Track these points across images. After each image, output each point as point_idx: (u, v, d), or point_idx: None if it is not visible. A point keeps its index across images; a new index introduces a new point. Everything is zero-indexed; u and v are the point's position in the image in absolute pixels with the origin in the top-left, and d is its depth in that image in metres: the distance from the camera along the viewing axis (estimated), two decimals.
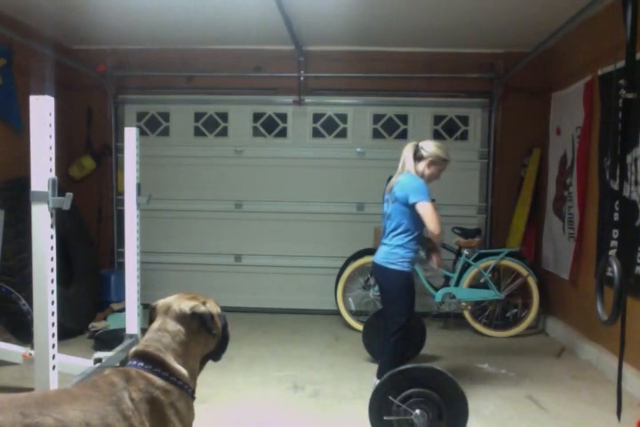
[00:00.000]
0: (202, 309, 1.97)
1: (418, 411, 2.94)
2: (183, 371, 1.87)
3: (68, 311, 4.81)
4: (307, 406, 3.61)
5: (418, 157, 3.65)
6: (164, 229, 6.12)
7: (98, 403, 1.64)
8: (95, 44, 6.00)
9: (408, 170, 3.63)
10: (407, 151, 3.67)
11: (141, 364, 1.82)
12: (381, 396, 3.01)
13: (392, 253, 3.54)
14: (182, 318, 1.95)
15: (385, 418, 2.98)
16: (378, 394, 3.02)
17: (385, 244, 3.63)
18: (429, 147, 3.63)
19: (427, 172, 3.65)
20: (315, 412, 3.52)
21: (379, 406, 3.01)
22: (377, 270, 3.68)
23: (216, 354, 2.09)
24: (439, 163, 3.65)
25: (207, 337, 1.99)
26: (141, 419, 1.69)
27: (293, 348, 4.85)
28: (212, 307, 2.04)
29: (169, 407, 1.77)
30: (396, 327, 3.53)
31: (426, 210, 3.45)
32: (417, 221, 3.52)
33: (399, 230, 3.56)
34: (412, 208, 3.49)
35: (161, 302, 2.03)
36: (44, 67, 5.28)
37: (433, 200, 3.60)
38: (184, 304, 1.98)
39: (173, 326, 1.93)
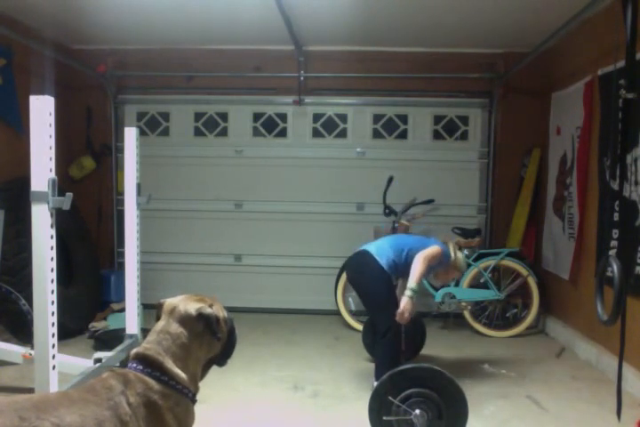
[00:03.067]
0: (208, 311, 1.94)
1: (417, 411, 2.94)
2: (182, 375, 1.84)
3: (68, 311, 4.81)
4: (307, 406, 3.61)
5: (455, 252, 3.89)
6: (164, 229, 6.12)
7: (95, 408, 1.62)
8: (95, 44, 6.00)
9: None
10: (450, 244, 3.93)
11: (140, 367, 1.81)
12: (381, 396, 3.00)
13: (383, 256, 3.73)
14: (187, 319, 1.92)
15: (384, 418, 2.97)
16: (377, 394, 3.02)
17: (377, 248, 3.77)
18: (460, 257, 3.91)
19: (442, 273, 3.93)
20: (315, 412, 3.52)
21: (378, 406, 3.01)
22: (358, 259, 3.83)
23: (221, 359, 2.06)
24: (456, 272, 3.97)
25: (211, 340, 1.96)
26: (139, 424, 1.67)
27: (293, 348, 4.85)
28: (219, 310, 2.01)
29: (167, 412, 1.75)
30: (384, 328, 3.54)
31: (434, 249, 3.67)
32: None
33: (401, 252, 3.73)
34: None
35: (167, 302, 2.00)
36: (43, 67, 5.28)
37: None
38: (190, 306, 1.95)
39: (176, 328, 1.90)
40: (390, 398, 2.97)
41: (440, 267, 3.79)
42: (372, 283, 3.68)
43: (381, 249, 3.72)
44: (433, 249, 3.65)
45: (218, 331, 1.96)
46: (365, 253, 3.75)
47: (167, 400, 1.77)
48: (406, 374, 3.04)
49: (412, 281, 3.52)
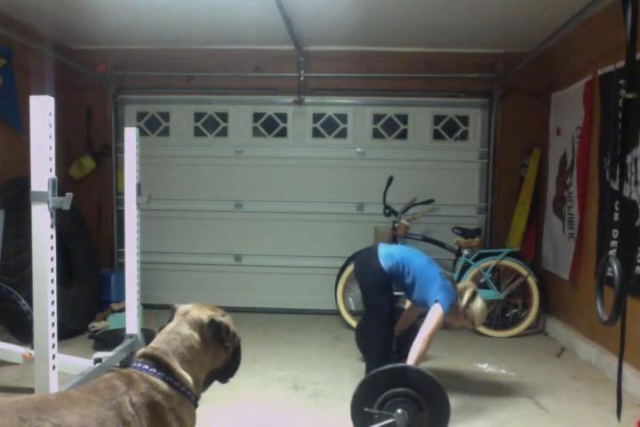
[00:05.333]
0: (220, 318, 1.98)
1: (399, 410, 2.91)
2: (188, 377, 1.84)
3: (68, 311, 4.81)
4: (307, 406, 3.61)
5: (468, 301, 3.58)
6: (164, 229, 6.12)
7: (97, 408, 1.62)
8: (95, 44, 6.00)
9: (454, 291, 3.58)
10: (466, 291, 3.60)
11: (145, 366, 1.81)
12: (357, 409, 2.98)
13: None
14: (198, 324, 1.94)
15: None
16: (355, 408, 3.00)
17: (386, 253, 3.69)
18: (478, 308, 3.56)
19: (452, 315, 3.57)
20: (315, 412, 3.52)
21: (360, 418, 2.98)
22: (365, 256, 3.77)
23: (223, 374, 2.07)
24: (468, 322, 3.62)
25: (218, 349, 1.98)
26: (141, 424, 1.67)
27: (293, 348, 4.85)
28: (230, 322, 2.04)
29: (170, 413, 1.75)
30: (377, 329, 3.55)
31: (436, 317, 3.38)
32: (416, 291, 3.60)
33: (404, 269, 3.61)
34: (429, 298, 3.49)
35: (181, 307, 2.03)
36: (44, 67, 5.28)
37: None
38: (203, 312, 1.98)
39: (186, 330, 1.92)
40: (366, 409, 2.94)
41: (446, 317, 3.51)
42: (372, 288, 3.66)
43: (389, 255, 3.66)
44: (435, 318, 3.37)
45: (227, 339, 1.98)
46: (373, 253, 3.70)
47: (170, 401, 1.77)
48: (374, 381, 3.01)
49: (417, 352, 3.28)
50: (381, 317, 3.57)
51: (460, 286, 3.67)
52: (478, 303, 3.55)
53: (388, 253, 3.67)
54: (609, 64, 4.00)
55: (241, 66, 6.04)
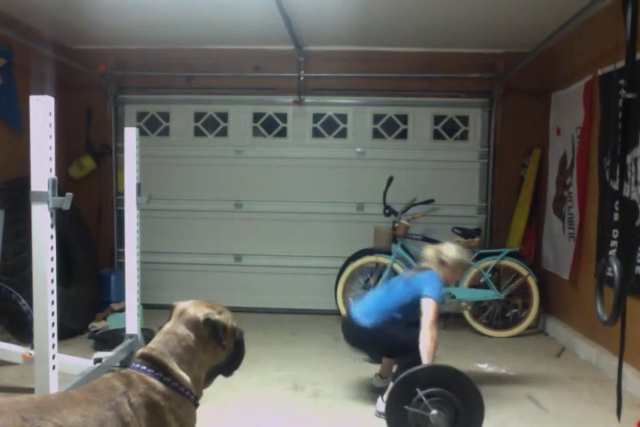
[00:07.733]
0: (216, 317, 1.96)
1: (435, 411, 2.89)
2: (186, 377, 1.84)
3: (68, 311, 4.81)
4: (307, 406, 3.60)
5: (440, 261, 3.59)
6: (164, 229, 6.12)
7: (98, 408, 1.62)
8: (95, 44, 6.00)
9: (433, 270, 3.54)
10: (430, 253, 3.61)
11: (144, 367, 1.81)
12: (409, 385, 2.93)
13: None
14: (194, 323, 1.93)
15: (405, 407, 2.90)
16: (405, 382, 2.95)
17: (370, 311, 3.53)
18: (452, 253, 3.58)
19: (449, 275, 3.60)
20: (315, 412, 3.52)
21: (403, 393, 2.93)
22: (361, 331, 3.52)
23: (226, 369, 2.05)
24: (463, 267, 3.65)
25: (216, 347, 1.96)
26: (140, 424, 1.67)
27: (293, 348, 4.85)
28: (228, 319, 2.02)
29: (169, 413, 1.75)
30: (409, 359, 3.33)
31: (430, 308, 3.32)
32: (411, 315, 3.43)
33: (391, 316, 3.47)
34: (417, 301, 3.39)
35: (179, 305, 2.02)
36: (44, 67, 5.29)
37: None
38: (199, 310, 1.96)
39: (183, 330, 1.91)
40: (418, 389, 2.90)
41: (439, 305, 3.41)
42: (375, 347, 3.62)
43: (364, 314, 3.50)
44: (430, 310, 3.29)
45: (223, 338, 1.96)
46: (351, 323, 3.54)
47: (169, 401, 1.77)
48: (440, 372, 2.99)
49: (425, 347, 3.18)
50: (409, 353, 3.32)
51: (428, 254, 3.63)
52: (450, 249, 3.59)
53: (363, 313, 3.52)
54: (609, 64, 4.00)
55: (241, 66, 6.04)
